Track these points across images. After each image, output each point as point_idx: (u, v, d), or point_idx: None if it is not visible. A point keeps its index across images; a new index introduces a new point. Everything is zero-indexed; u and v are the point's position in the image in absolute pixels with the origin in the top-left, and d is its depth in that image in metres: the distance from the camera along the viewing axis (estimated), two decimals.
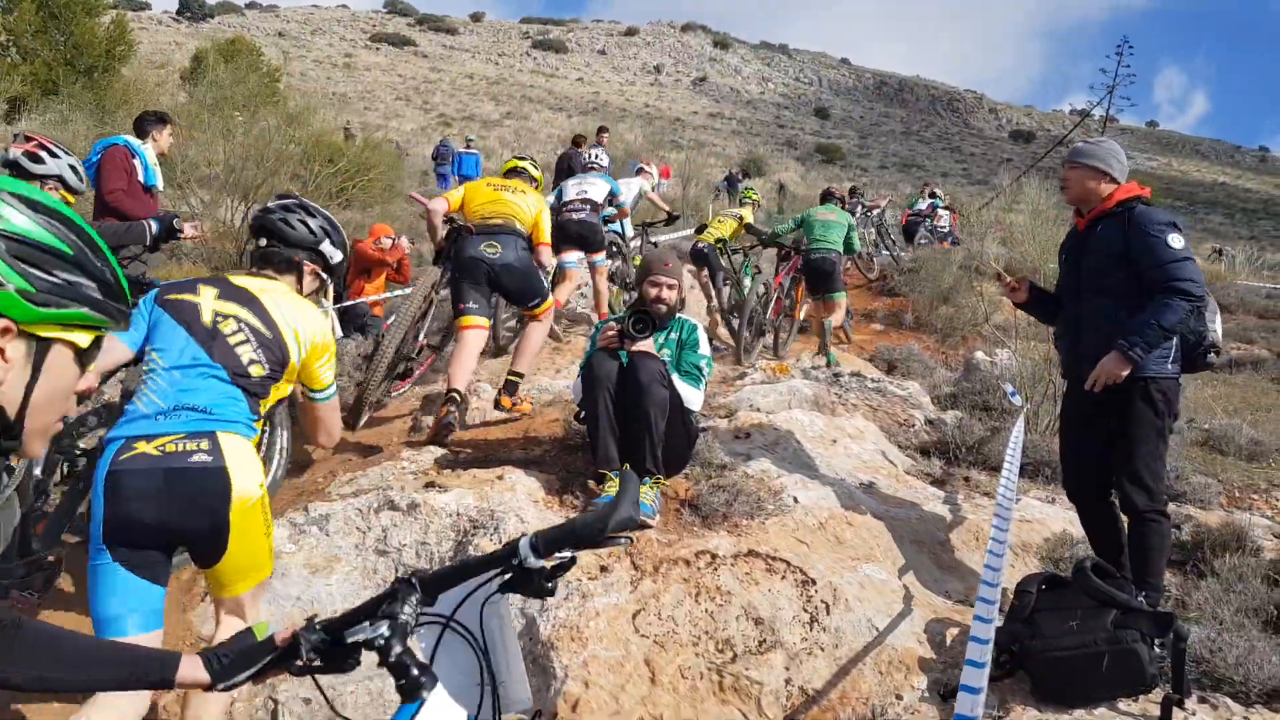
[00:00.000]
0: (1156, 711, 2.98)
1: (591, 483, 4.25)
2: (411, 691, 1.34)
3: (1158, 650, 3.10)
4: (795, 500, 4.24)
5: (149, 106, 10.91)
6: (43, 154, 4.07)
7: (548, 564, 1.53)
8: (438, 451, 4.73)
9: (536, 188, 6.29)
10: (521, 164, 6.43)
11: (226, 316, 2.76)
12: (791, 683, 3.29)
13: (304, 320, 2.88)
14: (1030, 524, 4.65)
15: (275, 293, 2.90)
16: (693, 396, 4.21)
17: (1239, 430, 6.89)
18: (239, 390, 2.68)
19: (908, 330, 11.73)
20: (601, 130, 14.85)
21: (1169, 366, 3.72)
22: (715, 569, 3.63)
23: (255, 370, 2.73)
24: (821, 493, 4.38)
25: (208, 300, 2.78)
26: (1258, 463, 6.53)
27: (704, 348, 4.42)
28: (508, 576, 1.54)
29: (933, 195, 20.07)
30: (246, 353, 2.73)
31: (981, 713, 2.56)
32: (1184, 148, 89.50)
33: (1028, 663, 3.31)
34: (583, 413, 4.26)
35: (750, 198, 11.47)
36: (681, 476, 4.38)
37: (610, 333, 4.12)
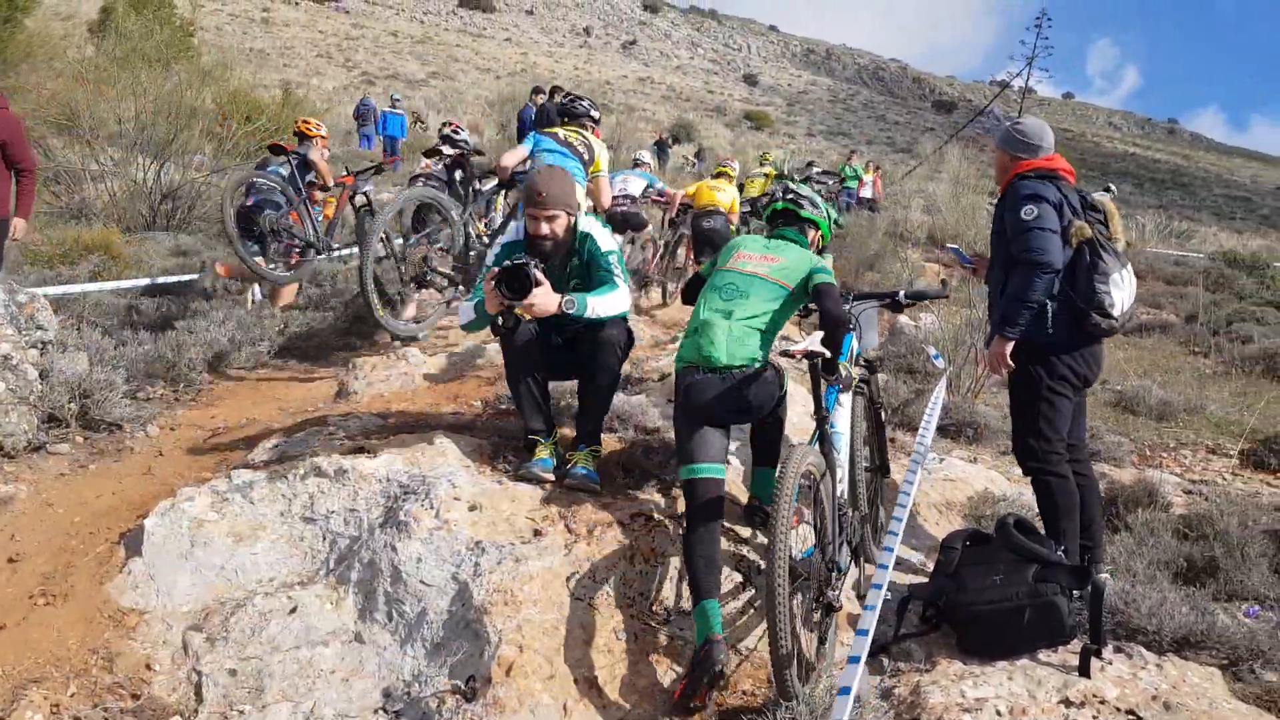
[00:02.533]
0: (1075, 662, 3.09)
1: (523, 447, 4.20)
2: (845, 328, 3.59)
3: (1076, 602, 3.21)
4: (728, 461, 4.26)
5: (54, 59, 10.30)
6: (461, 131, 7.31)
7: (907, 303, 4.14)
8: (365, 417, 4.62)
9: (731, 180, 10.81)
10: (724, 168, 11.32)
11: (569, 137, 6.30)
12: (726, 642, 3.32)
13: (596, 141, 6.58)
14: (954, 483, 4.77)
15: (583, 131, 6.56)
16: (618, 301, 3.86)
17: (1149, 391, 7.17)
18: (579, 163, 6.24)
19: None
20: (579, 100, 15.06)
21: (1046, 331, 3.74)
22: (649, 530, 3.64)
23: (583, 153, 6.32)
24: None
25: (560, 133, 6.35)
26: (1167, 422, 6.82)
27: (605, 243, 4.01)
28: (887, 302, 4.15)
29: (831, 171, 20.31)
30: (577, 145, 6.31)
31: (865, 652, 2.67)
32: (1098, 119, 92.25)
33: (953, 616, 3.40)
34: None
35: (767, 159, 15.55)
36: (615, 439, 4.36)
37: (490, 286, 3.66)
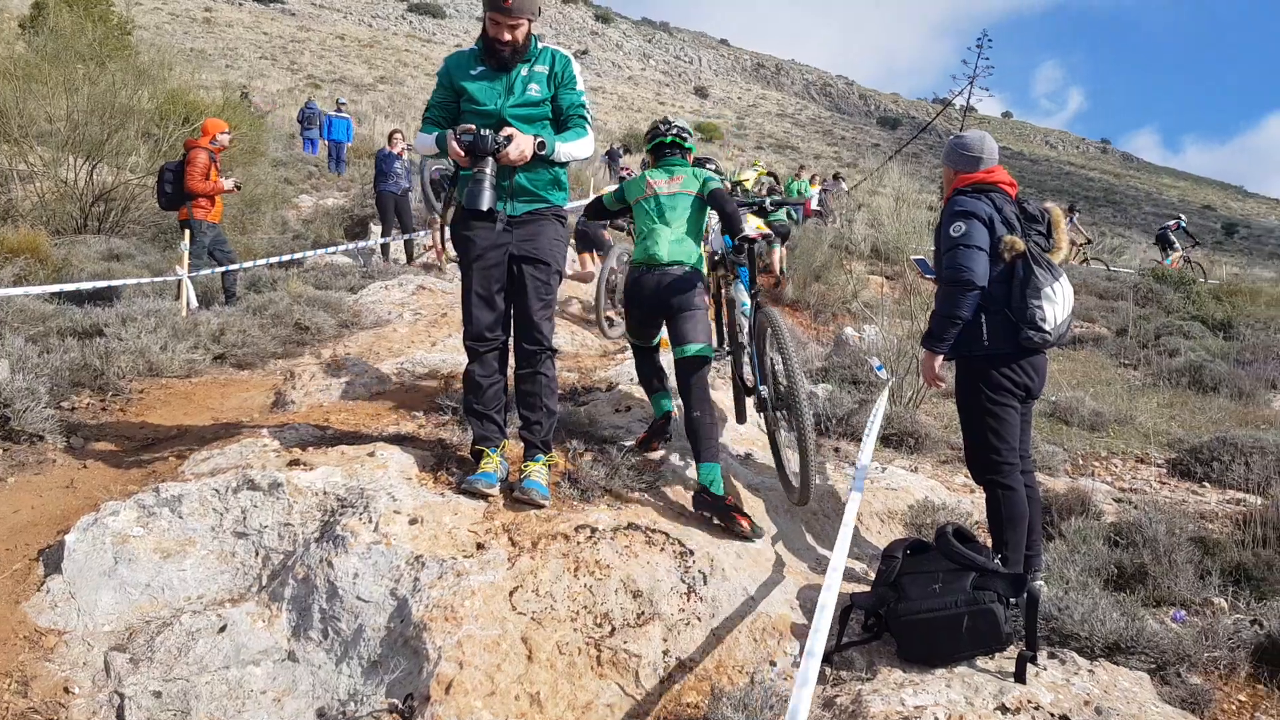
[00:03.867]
0: (1012, 668, 3.13)
1: (469, 457, 4.14)
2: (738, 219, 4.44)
3: (1012, 610, 3.25)
4: (675, 473, 4.25)
5: None
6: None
7: (772, 209, 5.82)
8: (303, 428, 4.51)
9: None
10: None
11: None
12: (670, 654, 3.30)
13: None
14: (895, 492, 4.81)
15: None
16: (585, 146, 3.94)
17: (1082, 402, 7.34)
18: None
19: (785, 307, 11.99)
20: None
21: (983, 345, 3.78)
22: (595, 543, 3.60)
23: None
24: None
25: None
26: (1098, 432, 6.99)
27: (579, 82, 4.02)
28: (754, 209, 5.81)
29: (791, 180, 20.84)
30: None
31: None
32: (1035, 138, 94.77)
33: (894, 625, 3.41)
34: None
35: (756, 163, 17.03)
36: (560, 450, 4.32)
37: (461, 153, 3.67)
